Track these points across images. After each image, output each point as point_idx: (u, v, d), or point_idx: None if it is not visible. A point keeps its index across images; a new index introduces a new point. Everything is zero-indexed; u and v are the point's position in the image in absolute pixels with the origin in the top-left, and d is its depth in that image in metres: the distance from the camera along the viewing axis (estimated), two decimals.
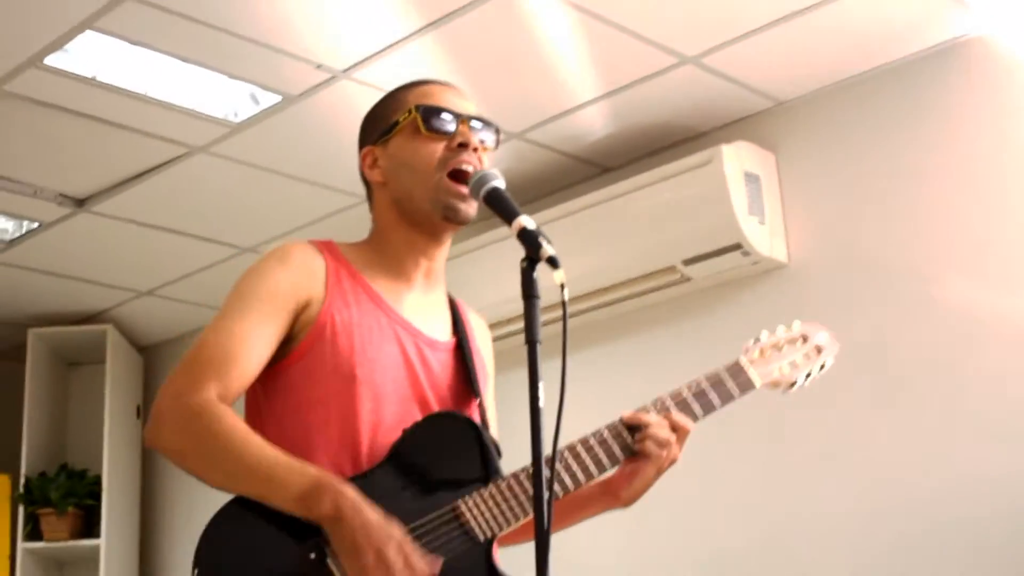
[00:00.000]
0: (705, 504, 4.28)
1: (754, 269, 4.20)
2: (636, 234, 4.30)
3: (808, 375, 2.49)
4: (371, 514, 1.97)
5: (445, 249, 2.36)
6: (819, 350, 2.52)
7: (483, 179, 2.14)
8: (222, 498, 2.08)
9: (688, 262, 4.21)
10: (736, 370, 2.38)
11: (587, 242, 4.32)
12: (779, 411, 4.13)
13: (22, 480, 5.71)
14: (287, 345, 2.19)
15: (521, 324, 1.92)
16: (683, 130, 4.41)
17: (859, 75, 4.10)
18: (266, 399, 2.22)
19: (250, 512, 2.04)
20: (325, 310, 2.19)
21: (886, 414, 3.89)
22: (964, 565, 3.67)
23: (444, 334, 2.33)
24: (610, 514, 4.31)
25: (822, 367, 2.51)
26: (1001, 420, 3.68)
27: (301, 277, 2.20)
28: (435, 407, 2.23)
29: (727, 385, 2.36)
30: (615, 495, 2.30)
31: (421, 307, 2.31)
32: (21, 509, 5.71)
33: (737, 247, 4.10)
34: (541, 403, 1.87)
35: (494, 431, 2.34)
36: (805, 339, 2.50)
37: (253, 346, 2.13)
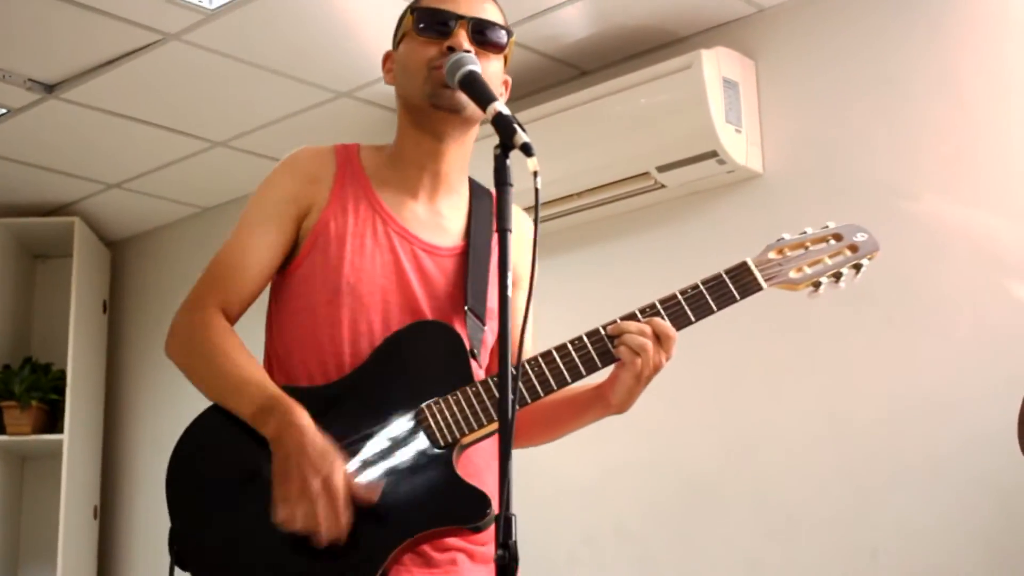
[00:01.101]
0: (673, 421, 4.28)
1: (729, 178, 4.16)
2: (611, 139, 4.26)
3: (839, 276, 2.31)
4: (313, 441, 2.01)
5: (455, 152, 2.32)
6: (854, 248, 2.33)
7: (458, 63, 2.13)
8: (187, 398, 2.22)
9: (663, 169, 4.18)
10: (740, 271, 2.25)
11: (562, 146, 4.28)
12: (745, 326, 4.13)
13: None
14: (293, 251, 2.26)
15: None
16: (663, 34, 4.35)
17: None
18: (274, 304, 2.31)
19: (223, 418, 2.13)
20: (323, 218, 2.23)
21: (853, 329, 3.89)
22: (921, 483, 3.69)
23: (450, 239, 2.30)
24: (580, 432, 4.34)
25: (857, 268, 2.33)
26: (967, 338, 3.68)
27: (304, 183, 2.26)
28: (427, 314, 2.23)
29: (728, 287, 2.24)
30: (606, 400, 2.27)
31: (426, 212, 2.30)
32: None
33: (713, 155, 4.06)
34: (509, 292, 1.85)
35: (528, 334, 2.29)
36: (838, 238, 2.33)
37: (254, 256, 2.23)
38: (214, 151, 5.20)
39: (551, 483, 4.47)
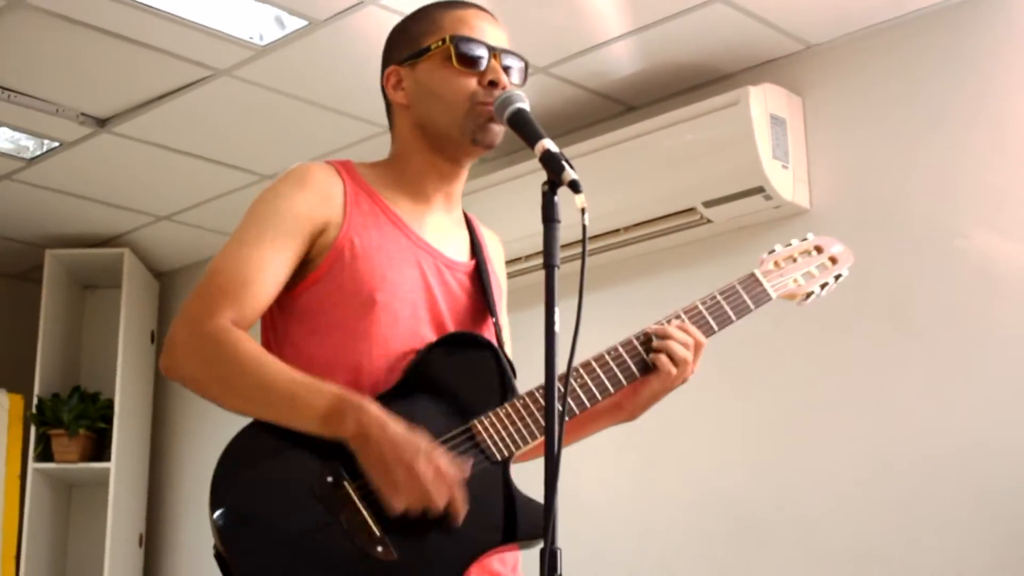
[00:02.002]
0: (715, 449, 4.28)
1: (776, 213, 4.16)
2: (658, 174, 4.27)
3: (824, 285, 2.49)
4: (396, 428, 1.96)
5: (465, 173, 2.34)
6: (834, 260, 2.52)
7: (508, 99, 2.12)
8: (233, 424, 2.06)
9: (709, 204, 4.18)
10: (751, 282, 2.37)
11: (609, 181, 4.29)
12: (794, 358, 4.12)
13: (35, 400, 5.73)
14: (304, 268, 2.17)
15: (537, 261, 1.90)
16: (710, 70, 4.36)
17: (890, 20, 4.04)
18: (283, 323, 2.20)
19: (266, 437, 2.02)
20: (344, 233, 2.16)
21: (903, 366, 3.87)
22: (970, 527, 3.65)
23: (463, 255, 2.32)
24: (617, 453, 4.34)
25: (838, 277, 2.52)
26: (1017, 377, 3.65)
27: (319, 199, 2.17)
28: (451, 329, 2.22)
29: (742, 297, 2.34)
30: (620, 407, 2.29)
31: (441, 229, 2.30)
32: (33, 429, 5.73)
33: (760, 191, 4.06)
34: (556, 328, 1.85)
35: (508, 349, 2.32)
36: (819, 250, 2.51)
37: (268, 270, 2.10)
38: (261, 184, 5.23)
39: (597, 519, 4.46)
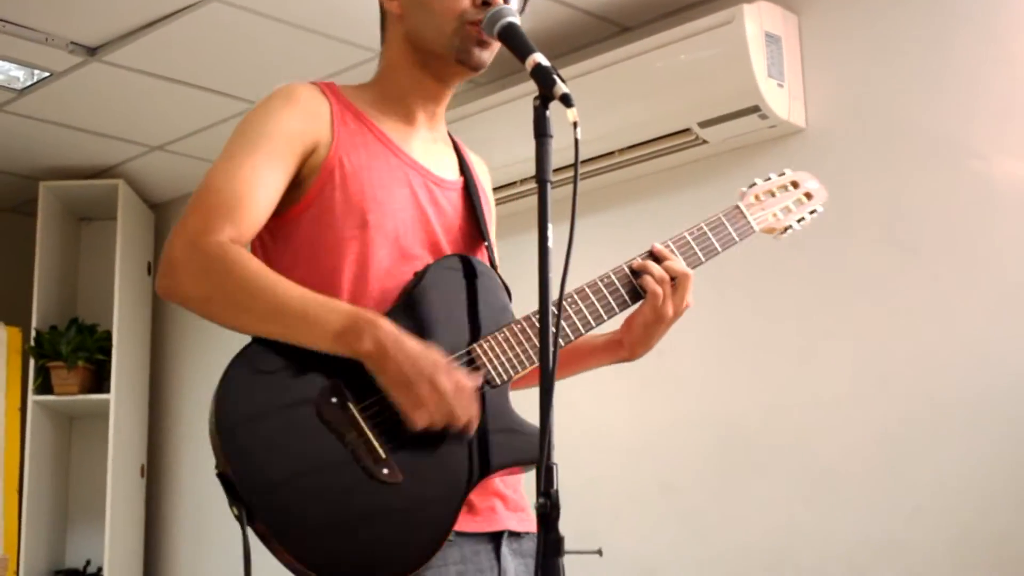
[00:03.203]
0: (711, 372, 4.29)
1: (772, 133, 4.14)
2: (653, 95, 4.23)
3: (800, 220, 2.52)
4: (413, 344, 1.95)
5: (450, 94, 2.32)
6: (809, 196, 2.54)
7: (499, 13, 2.08)
8: (232, 353, 2.00)
9: (705, 124, 4.15)
10: (735, 215, 2.39)
11: (603, 102, 4.26)
12: (790, 277, 4.11)
13: (33, 333, 5.73)
14: (295, 191, 2.13)
15: (532, 185, 1.88)
16: None
17: None
18: (275, 248, 2.17)
19: (268, 357, 1.98)
20: (333, 154, 2.13)
21: (900, 284, 3.86)
22: (962, 439, 3.66)
23: (452, 173, 2.30)
24: (616, 384, 4.34)
25: (813, 212, 2.54)
26: (1013, 293, 3.64)
27: (308, 117, 2.14)
28: (446, 248, 2.20)
29: (727, 229, 2.37)
30: (619, 343, 2.30)
31: (428, 147, 2.28)
32: (32, 362, 5.73)
33: (755, 110, 4.03)
34: (550, 244, 1.84)
35: (500, 270, 2.31)
36: (795, 185, 2.53)
37: (262, 188, 2.06)
38: None
39: (596, 442, 4.48)
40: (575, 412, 4.22)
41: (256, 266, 1.99)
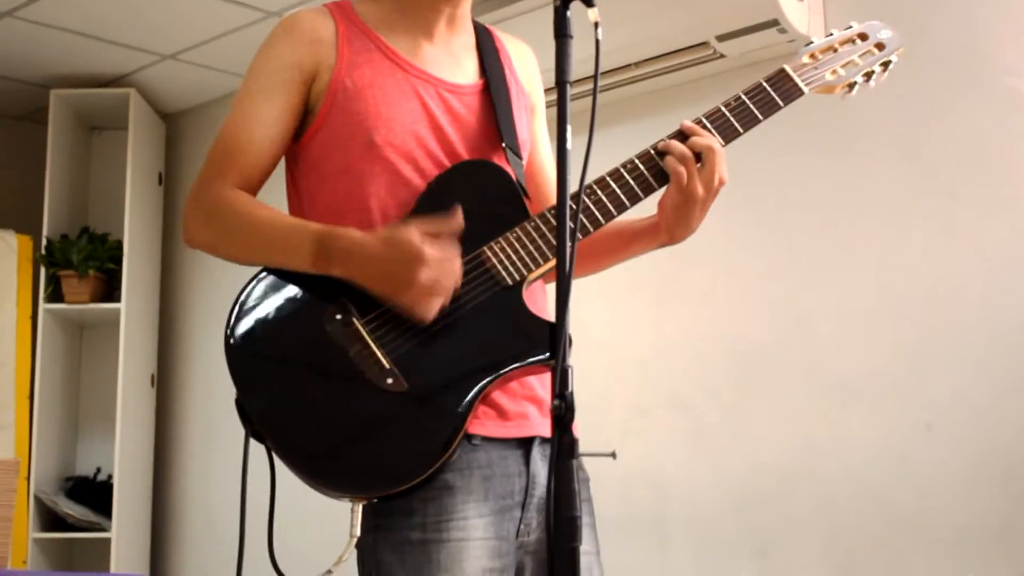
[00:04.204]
0: (728, 295, 4.27)
1: (790, 47, 4.07)
2: (670, 8, 4.17)
3: (870, 75, 2.33)
4: (375, 247, 1.97)
5: None
6: (880, 47, 2.35)
7: None
8: (241, 269, 2.13)
9: (722, 38, 4.10)
10: (780, 78, 2.25)
11: (620, 15, 4.20)
12: (804, 193, 4.09)
13: (43, 242, 5.72)
14: (307, 118, 2.18)
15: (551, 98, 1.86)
16: None
17: None
18: (298, 175, 2.22)
19: (277, 280, 2.06)
20: (336, 76, 2.15)
21: (916, 201, 3.83)
22: (977, 358, 3.65)
23: (469, 77, 2.27)
24: (630, 300, 4.33)
25: (886, 65, 2.35)
26: None
27: (306, 46, 2.16)
28: (464, 156, 2.19)
29: (770, 95, 2.22)
30: (657, 227, 2.22)
31: (442, 55, 2.26)
32: (43, 271, 5.73)
33: (774, 23, 3.96)
34: (568, 145, 1.81)
35: (545, 159, 2.34)
36: (863, 37, 2.36)
37: (261, 127, 2.14)
38: (267, 21, 5.16)
39: (607, 356, 4.48)
40: (588, 328, 4.22)
41: (243, 206, 2.09)
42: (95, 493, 5.72)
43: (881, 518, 3.81)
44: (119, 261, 5.71)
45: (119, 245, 5.73)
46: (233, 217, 2.08)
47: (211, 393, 5.81)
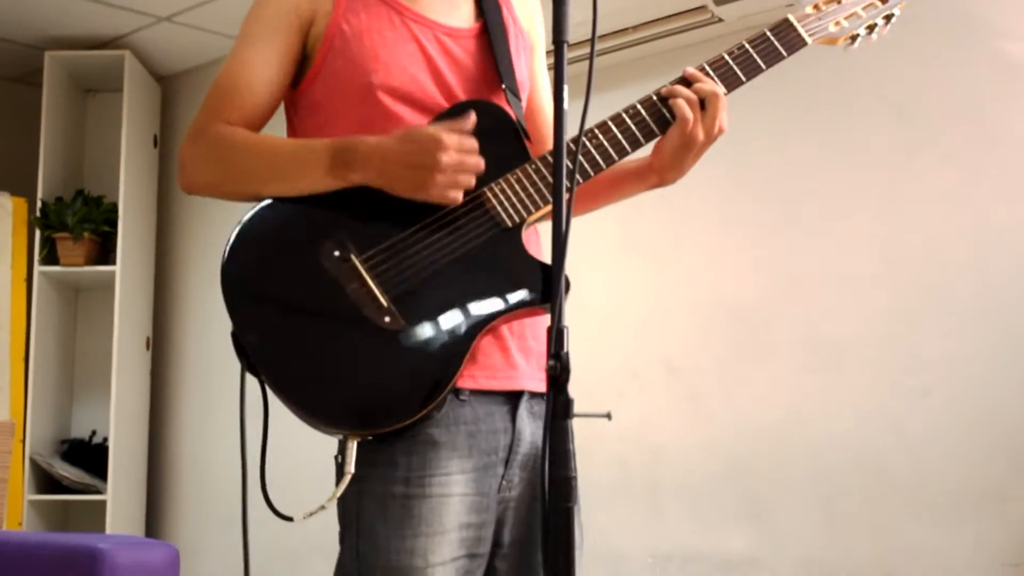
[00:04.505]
0: (722, 258, 4.28)
1: (789, 11, 4.06)
2: None
3: (872, 27, 2.32)
4: (391, 144, 1.98)
5: None
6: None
7: None
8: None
9: (720, 2, 4.08)
10: (784, 28, 2.22)
11: None
12: (801, 154, 4.09)
13: (38, 204, 5.71)
14: (305, 64, 2.17)
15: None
16: None
17: None
18: (299, 122, 2.22)
19: (273, 217, 2.05)
20: (332, 21, 2.14)
21: (913, 163, 3.83)
22: (974, 324, 3.66)
23: (466, 20, 2.26)
24: (625, 263, 4.33)
25: (888, 18, 2.34)
26: None
27: None
28: (463, 98, 2.18)
29: (773, 44, 2.20)
30: (650, 168, 2.22)
31: None
32: (37, 233, 5.72)
33: None
34: (565, 106, 1.81)
35: (546, 100, 2.34)
36: None
37: (257, 69, 2.13)
38: None
39: (601, 319, 4.48)
40: (582, 292, 4.21)
41: (247, 136, 2.09)
42: (90, 455, 5.74)
43: (874, 482, 3.82)
44: (114, 224, 5.70)
45: (114, 208, 5.72)
46: (237, 149, 2.08)
47: (206, 356, 5.81)
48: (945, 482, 3.68)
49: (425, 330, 1.98)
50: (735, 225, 4.24)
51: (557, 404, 1.66)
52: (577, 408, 1.68)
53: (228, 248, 2.01)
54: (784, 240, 4.11)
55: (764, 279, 4.14)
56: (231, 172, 2.09)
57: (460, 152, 1.97)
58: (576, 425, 1.67)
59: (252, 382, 1.96)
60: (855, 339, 3.90)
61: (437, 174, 1.95)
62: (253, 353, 1.95)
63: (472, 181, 2.00)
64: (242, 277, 2.00)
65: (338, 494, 1.96)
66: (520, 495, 2.15)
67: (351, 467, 1.94)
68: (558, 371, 1.66)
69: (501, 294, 2.03)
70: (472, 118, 2.02)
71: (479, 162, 2.00)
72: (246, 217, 2.04)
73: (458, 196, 1.99)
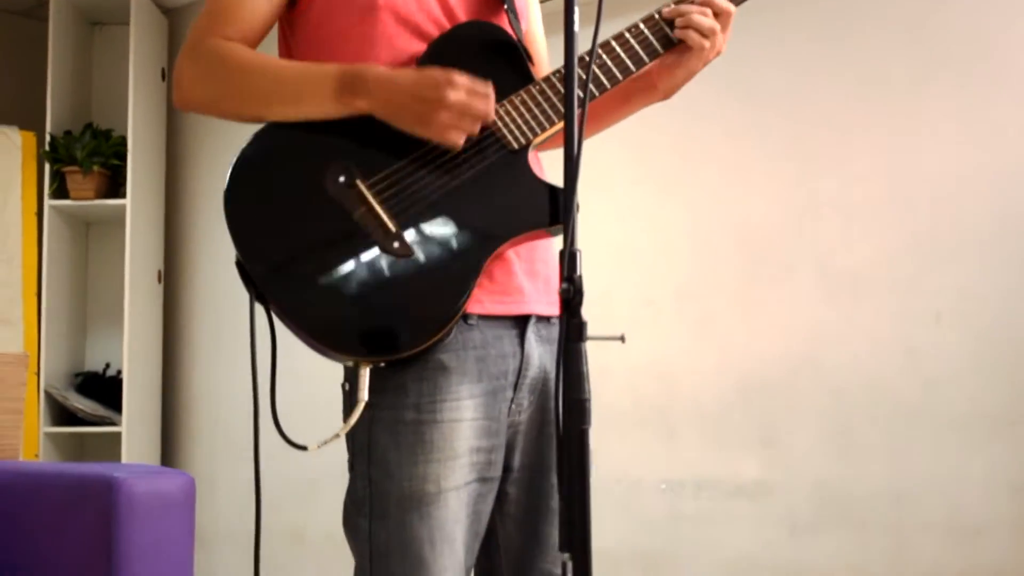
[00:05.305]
0: (735, 185, 4.26)
1: None
2: None
3: None
4: (405, 77, 1.95)
5: None
6: None
7: None
8: None
9: None
10: None
11: None
12: (813, 81, 4.06)
13: (47, 138, 5.70)
14: None
15: None
16: None
17: None
18: (296, 45, 2.18)
19: (277, 140, 2.02)
20: None
21: (926, 90, 3.81)
22: (987, 248, 3.65)
23: None
24: (630, 186, 4.32)
25: None
26: None
27: None
28: (464, 18, 2.15)
29: None
30: (653, 86, 2.22)
31: None
32: (47, 167, 5.71)
33: None
34: (576, 28, 1.79)
35: (536, 24, 2.30)
36: None
37: None
38: None
39: (612, 247, 4.47)
40: (593, 220, 4.20)
41: (250, 55, 2.04)
42: (105, 388, 5.76)
43: (887, 408, 3.83)
44: (123, 157, 5.69)
45: (123, 141, 5.70)
46: (237, 67, 2.04)
47: (218, 287, 5.82)
48: (957, 406, 3.68)
49: (433, 255, 1.96)
50: (746, 150, 4.22)
51: (570, 327, 1.65)
52: (590, 333, 1.68)
53: (230, 174, 1.98)
54: (797, 166, 4.09)
55: (777, 206, 4.13)
56: (230, 90, 2.05)
57: (470, 94, 1.94)
58: (589, 353, 1.66)
59: (262, 313, 1.95)
60: (868, 265, 3.89)
61: (442, 110, 1.93)
62: (259, 281, 1.93)
63: (476, 128, 1.97)
64: (245, 203, 1.97)
65: (352, 422, 1.96)
66: (529, 419, 2.15)
67: (364, 394, 1.94)
68: (571, 294, 1.65)
69: (509, 217, 2.02)
70: (490, 85, 1.98)
71: (488, 111, 1.97)
72: (248, 142, 2.01)
73: (459, 140, 1.96)
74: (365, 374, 1.94)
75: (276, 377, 2.00)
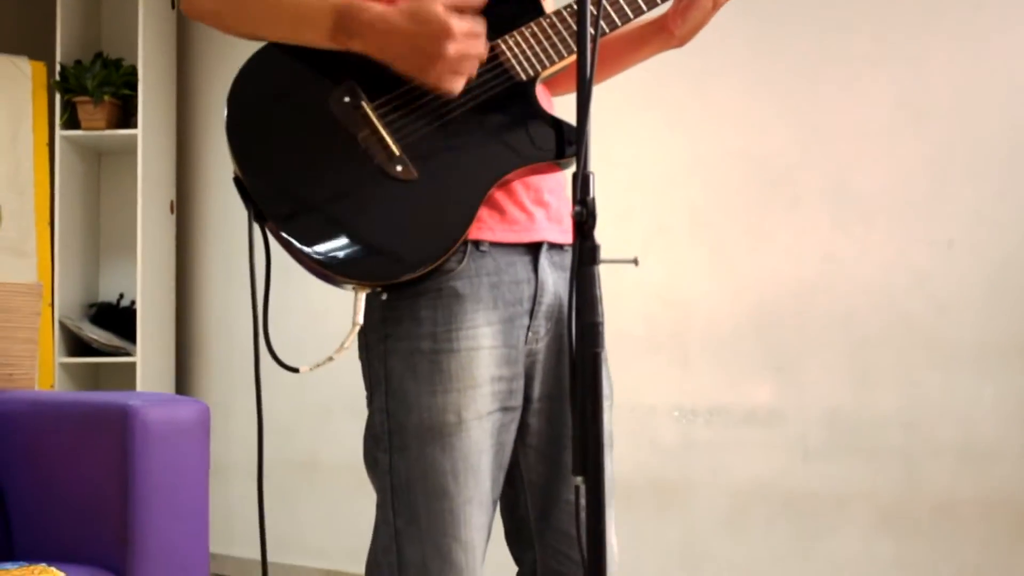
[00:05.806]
0: (748, 113, 4.24)
1: None
2: None
3: None
4: (398, 18, 1.89)
5: None
6: None
7: None
8: None
9: None
10: None
11: None
12: (822, 15, 4.03)
13: (57, 68, 5.68)
14: None
15: None
16: None
17: None
18: None
19: (281, 56, 1.97)
20: None
21: (938, 14, 3.77)
22: (999, 174, 3.63)
23: None
24: (641, 113, 4.30)
25: None
26: None
27: None
28: None
29: None
30: (669, 32, 2.19)
31: None
32: (58, 97, 5.70)
33: None
34: None
35: None
36: None
37: None
38: None
39: (625, 175, 4.46)
40: (605, 149, 4.19)
41: None
42: (119, 318, 5.78)
43: (899, 334, 3.83)
44: (134, 87, 5.67)
45: (134, 70, 5.68)
46: None
47: (231, 219, 5.82)
48: (969, 333, 3.68)
49: (436, 180, 1.93)
50: (759, 76, 4.19)
51: (583, 250, 1.63)
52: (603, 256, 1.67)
53: (232, 87, 1.94)
54: (809, 91, 4.07)
55: (789, 131, 4.11)
56: (232, 8, 2.01)
57: (466, 43, 1.89)
58: (603, 278, 1.65)
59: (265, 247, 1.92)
60: (880, 191, 3.88)
61: (440, 62, 1.88)
62: (258, 198, 1.88)
63: (475, 69, 1.93)
64: (246, 118, 1.93)
65: (346, 345, 1.92)
66: (547, 348, 2.12)
67: (359, 317, 1.91)
68: (584, 217, 1.64)
69: (514, 147, 1.98)
70: (483, 21, 1.94)
71: (483, 50, 1.93)
72: (250, 59, 1.97)
73: (458, 85, 1.92)
74: (361, 298, 1.91)
75: (269, 297, 1.96)
